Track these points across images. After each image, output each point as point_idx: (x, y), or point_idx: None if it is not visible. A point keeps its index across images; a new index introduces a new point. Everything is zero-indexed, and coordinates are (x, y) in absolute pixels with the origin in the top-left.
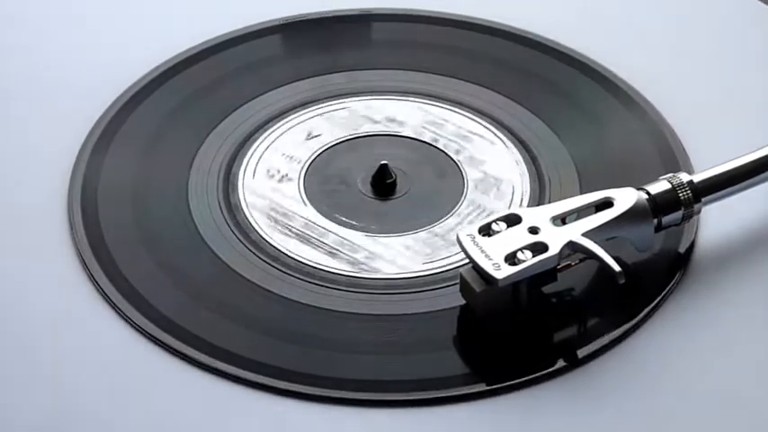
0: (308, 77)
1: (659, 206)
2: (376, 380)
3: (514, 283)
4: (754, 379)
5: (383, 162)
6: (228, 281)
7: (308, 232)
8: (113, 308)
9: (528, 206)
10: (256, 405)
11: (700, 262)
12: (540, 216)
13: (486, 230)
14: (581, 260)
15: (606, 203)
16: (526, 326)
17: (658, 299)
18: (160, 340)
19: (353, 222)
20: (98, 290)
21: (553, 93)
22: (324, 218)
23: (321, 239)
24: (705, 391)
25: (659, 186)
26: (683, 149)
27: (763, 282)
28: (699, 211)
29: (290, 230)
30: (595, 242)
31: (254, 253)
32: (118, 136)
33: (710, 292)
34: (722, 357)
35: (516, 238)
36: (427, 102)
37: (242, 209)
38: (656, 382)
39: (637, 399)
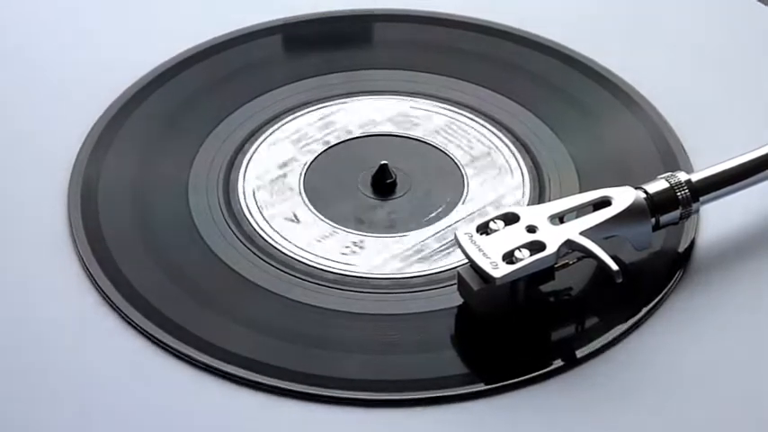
0: (308, 77)
1: (657, 205)
2: (376, 380)
3: (512, 282)
4: (754, 378)
5: (383, 162)
6: (228, 281)
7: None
8: (113, 308)
9: (527, 206)
10: (257, 405)
11: (700, 261)
12: (538, 215)
13: (484, 229)
14: (579, 259)
15: (604, 202)
16: (524, 325)
17: (658, 298)
18: (160, 340)
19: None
20: (98, 290)
21: (553, 93)
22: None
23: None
24: (705, 390)
25: (657, 185)
26: (683, 149)
27: (763, 280)
28: (697, 211)
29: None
30: (593, 241)
31: (254, 253)
32: (118, 136)
33: (710, 291)
34: (722, 356)
35: (514, 236)
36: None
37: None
38: (655, 382)
39: (636, 398)
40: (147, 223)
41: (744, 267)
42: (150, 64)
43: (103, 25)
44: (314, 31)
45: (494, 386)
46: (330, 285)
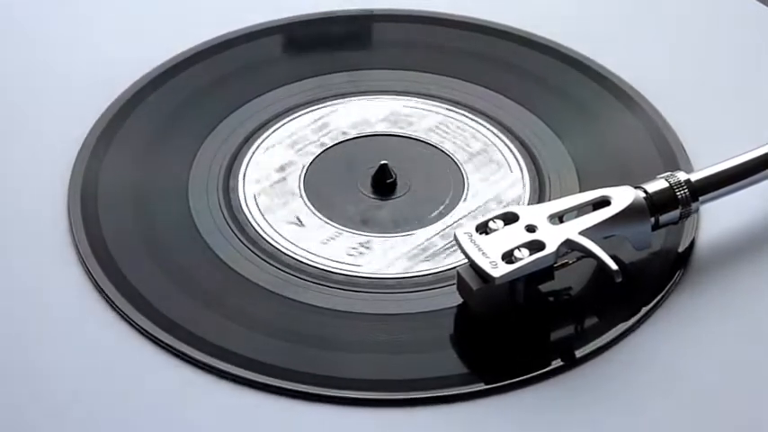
0: (309, 77)
1: (656, 205)
2: (376, 379)
3: (511, 282)
4: (754, 378)
5: (383, 162)
6: (229, 281)
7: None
8: (113, 308)
9: (527, 205)
10: (257, 405)
11: (700, 261)
12: (538, 214)
13: (484, 229)
14: (578, 258)
15: (603, 202)
16: (524, 325)
17: (658, 298)
18: (160, 340)
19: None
20: (98, 290)
21: (553, 93)
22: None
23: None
24: (705, 390)
25: (657, 185)
26: (683, 149)
27: (763, 280)
28: (696, 210)
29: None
30: (593, 240)
31: (254, 252)
32: (118, 136)
33: (711, 291)
34: (722, 357)
35: (513, 236)
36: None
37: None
38: (655, 382)
39: (636, 398)
40: (148, 223)
41: (744, 267)
42: (150, 64)
43: (104, 25)
44: (313, 32)
45: (493, 386)
46: (329, 285)
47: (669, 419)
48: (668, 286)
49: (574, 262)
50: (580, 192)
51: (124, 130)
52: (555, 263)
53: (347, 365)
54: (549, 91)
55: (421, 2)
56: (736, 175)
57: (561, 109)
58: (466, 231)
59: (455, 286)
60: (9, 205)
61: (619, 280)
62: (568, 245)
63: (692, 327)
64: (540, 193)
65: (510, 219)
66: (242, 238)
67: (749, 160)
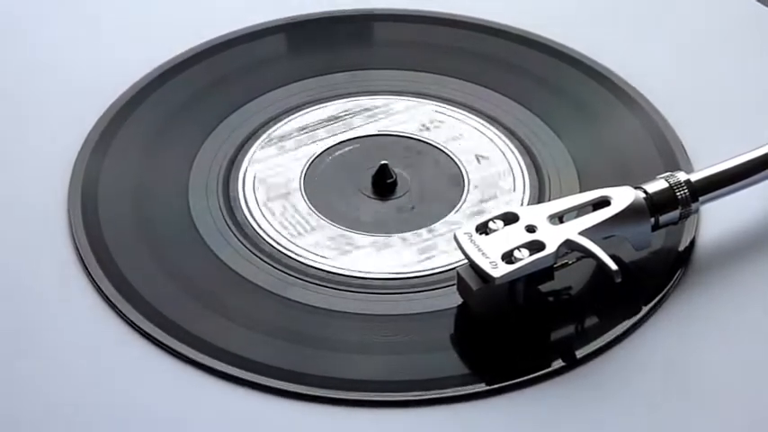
0: (309, 77)
1: (656, 205)
2: (375, 380)
3: (511, 282)
4: (755, 378)
5: (383, 162)
6: (228, 281)
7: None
8: (113, 308)
9: (527, 205)
10: (257, 405)
11: (700, 261)
12: (538, 214)
13: (484, 229)
14: (578, 259)
15: (603, 202)
16: (524, 325)
17: (659, 298)
18: (160, 340)
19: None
20: (98, 290)
21: (553, 92)
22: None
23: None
24: (705, 390)
25: (656, 185)
26: (683, 149)
27: (763, 280)
28: (696, 210)
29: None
30: (592, 241)
31: (253, 253)
32: (118, 136)
33: (711, 290)
34: (723, 356)
35: (513, 236)
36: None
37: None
38: (656, 382)
39: (637, 398)
40: (148, 223)
41: (744, 267)
42: (150, 64)
43: (103, 25)
44: (314, 31)
45: (494, 387)
46: (330, 285)
47: (670, 419)
48: (668, 286)
49: (574, 262)
50: (580, 192)
51: (124, 130)
52: (555, 263)
53: (347, 366)
54: (548, 91)
55: (421, 2)
56: (736, 175)
57: (561, 109)
58: (466, 231)
59: (455, 286)
60: (9, 205)
61: (619, 280)
62: (568, 245)
63: (693, 326)
64: (540, 193)
65: (510, 219)
66: (241, 239)
67: (749, 160)
